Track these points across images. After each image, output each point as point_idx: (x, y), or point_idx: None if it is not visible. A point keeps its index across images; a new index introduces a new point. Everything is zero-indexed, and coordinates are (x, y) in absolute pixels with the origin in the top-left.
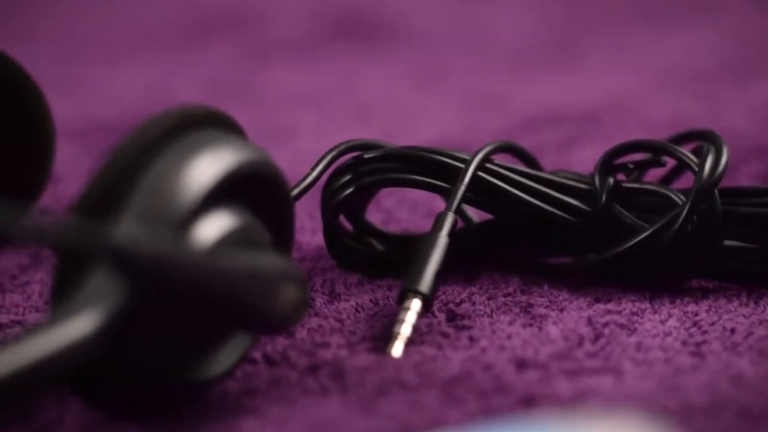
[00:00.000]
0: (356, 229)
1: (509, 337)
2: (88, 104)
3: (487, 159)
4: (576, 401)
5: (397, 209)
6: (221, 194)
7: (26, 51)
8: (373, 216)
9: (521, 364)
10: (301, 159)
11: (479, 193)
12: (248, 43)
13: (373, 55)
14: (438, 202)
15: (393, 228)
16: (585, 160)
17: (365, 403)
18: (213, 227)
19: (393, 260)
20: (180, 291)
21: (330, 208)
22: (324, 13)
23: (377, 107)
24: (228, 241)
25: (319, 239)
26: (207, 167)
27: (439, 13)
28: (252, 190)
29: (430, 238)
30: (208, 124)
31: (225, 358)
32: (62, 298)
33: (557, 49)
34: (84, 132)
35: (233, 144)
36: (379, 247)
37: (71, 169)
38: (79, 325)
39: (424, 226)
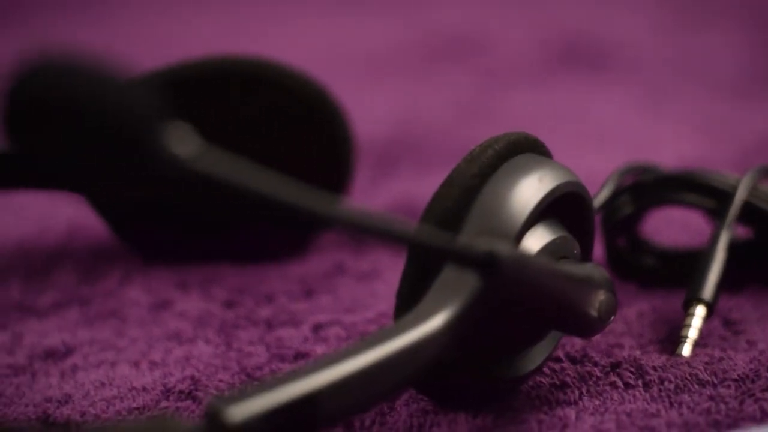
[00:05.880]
0: (631, 244)
1: None
2: None
3: (755, 181)
4: None
5: (658, 225)
6: (544, 210)
7: None
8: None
9: None
10: None
11: (742, 211)
12: (483, 67)
13: (599, 81)
14: (693, 219)
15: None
16: None
17: (669, 397)
18: (536, 239)
19: (665, 272)
20: (526, 292)
21: (612, 225)
22: (549, 41)
23: (611, 130)
24: (547, 251)
25: None
26: (534, 187)
27: (655, 42)
28: (566, 206)
29: (710, 252)
30: (527, 148)
31: (536, 355)
32: (412, 297)
33: None
34: None
35: (551, 166)
36: (651, 260)
37: None
38: (439, 320)
39: (683, 240)
